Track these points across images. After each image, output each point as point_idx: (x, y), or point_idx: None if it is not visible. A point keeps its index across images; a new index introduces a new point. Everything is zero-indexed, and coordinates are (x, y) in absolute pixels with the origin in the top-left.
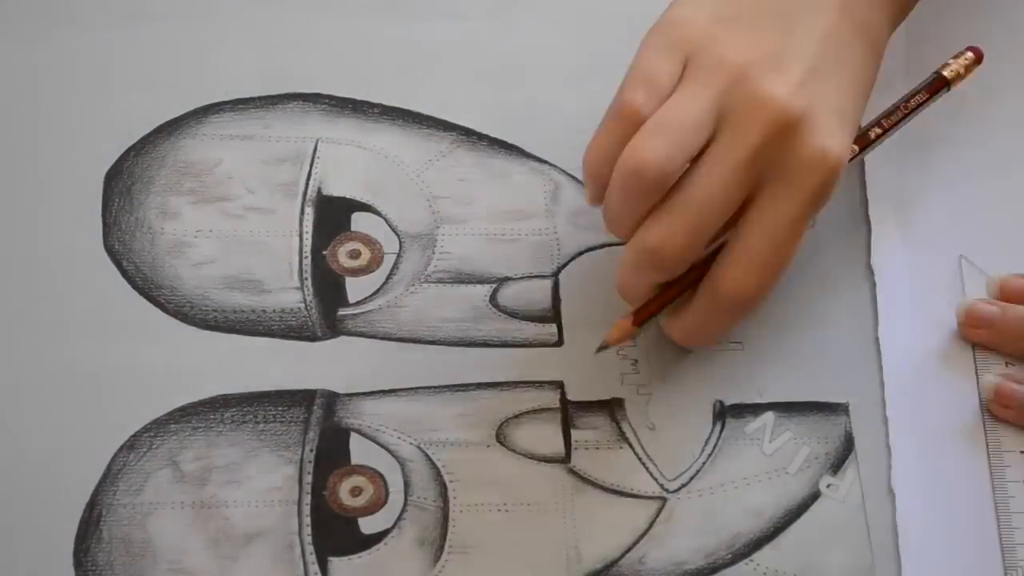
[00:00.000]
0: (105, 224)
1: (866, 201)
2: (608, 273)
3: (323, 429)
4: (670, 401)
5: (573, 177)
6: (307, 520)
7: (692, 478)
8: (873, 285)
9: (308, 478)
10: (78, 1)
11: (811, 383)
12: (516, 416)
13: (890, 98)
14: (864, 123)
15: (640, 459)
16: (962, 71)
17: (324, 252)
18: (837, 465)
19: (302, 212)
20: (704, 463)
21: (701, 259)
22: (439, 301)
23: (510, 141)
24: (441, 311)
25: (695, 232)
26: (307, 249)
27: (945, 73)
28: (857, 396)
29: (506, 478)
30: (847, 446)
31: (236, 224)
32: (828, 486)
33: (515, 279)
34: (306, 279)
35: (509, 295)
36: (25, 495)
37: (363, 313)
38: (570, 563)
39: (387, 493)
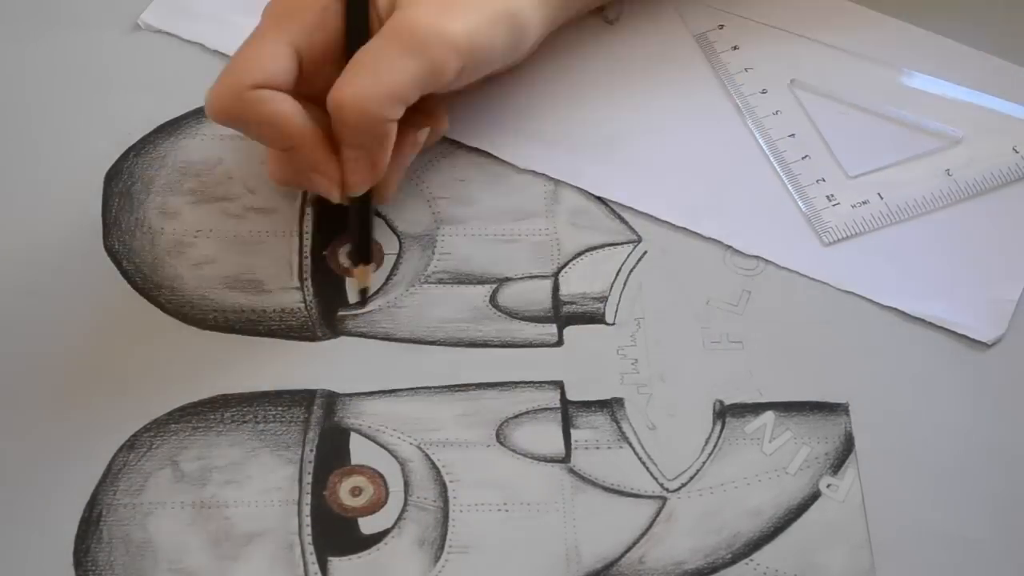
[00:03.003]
0: (105, 224)
1: None
2: (608, 274)
3: (323, 429)
4: (670, 401)
5: None
6: (307, 520)
7: (692, 478)
8: None
9: (308, 478)
10: (78, 1)
11: (811, 383)
12: (516, 416)
13: None
14: None
15: (640, 459)
16: None
17: (324, 252)
18: (837, 465)
19: (302, 212)
20: (704, 463)
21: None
22: (439, 301)
23: None
24: (441, 311)
25: None
26: (307, 249)
27: None
28: (857, 396)
29: (506, 478)
30: (847, 446)
31: (236, 224)
32: (828, 486)
33: (515, 279)
34: (306, 279)
35: (509, 295)
36: (25, 495)
37: (363, 313)
38: (570, 563)
39: (387, 493)
